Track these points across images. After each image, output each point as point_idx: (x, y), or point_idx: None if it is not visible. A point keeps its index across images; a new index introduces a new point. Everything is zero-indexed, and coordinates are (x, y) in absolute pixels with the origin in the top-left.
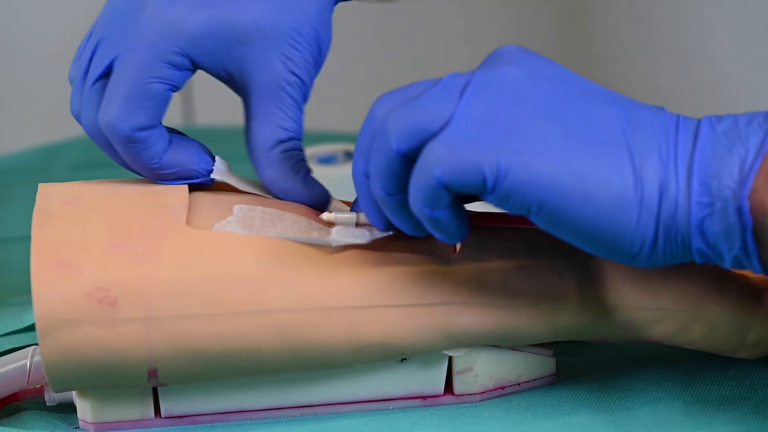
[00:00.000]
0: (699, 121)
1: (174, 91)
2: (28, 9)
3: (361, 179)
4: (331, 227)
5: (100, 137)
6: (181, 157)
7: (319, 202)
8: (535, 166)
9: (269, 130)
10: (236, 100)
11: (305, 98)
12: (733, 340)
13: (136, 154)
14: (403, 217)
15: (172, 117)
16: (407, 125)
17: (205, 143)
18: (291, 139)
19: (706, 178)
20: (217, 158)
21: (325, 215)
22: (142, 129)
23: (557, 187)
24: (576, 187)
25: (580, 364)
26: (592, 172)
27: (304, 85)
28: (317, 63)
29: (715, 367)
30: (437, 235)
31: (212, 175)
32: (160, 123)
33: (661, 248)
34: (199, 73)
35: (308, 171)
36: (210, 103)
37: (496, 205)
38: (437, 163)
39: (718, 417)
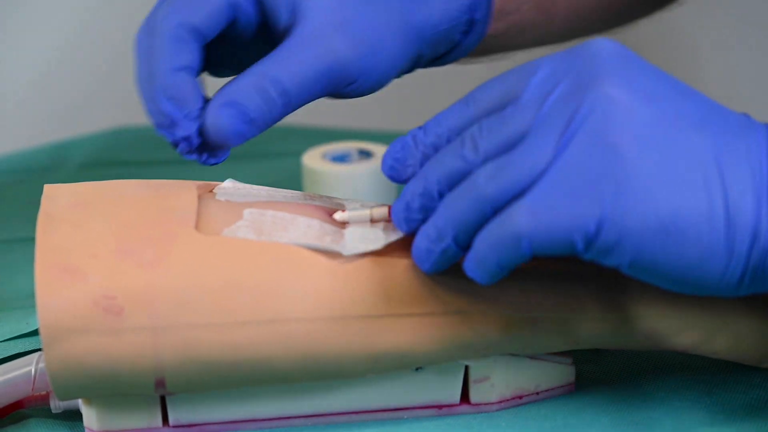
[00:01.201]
0: None
1: (233, 9)
2: (35, 4)
3: (425, 195)
4: (345, 227)
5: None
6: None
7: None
8: (626, 226)
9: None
10: None
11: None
12: (759, 350)
13: (168, 51)
14: (446, 262)
15: None
16: (505, 188)
17: None
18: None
19: None
20: (228, 180)
21: (338, 215)
22: (189, 28)
23: (647, 246)
24: (666, 244)
25: (600, 372)
26: (684, 225)
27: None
28: (364, 58)
29: (739, 374)
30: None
31: (217, 197)
32: (203, 41)
33: (746, 286)
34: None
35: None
36: None
37: (582, 259)
38: (524, 231)
39: (743, 426)
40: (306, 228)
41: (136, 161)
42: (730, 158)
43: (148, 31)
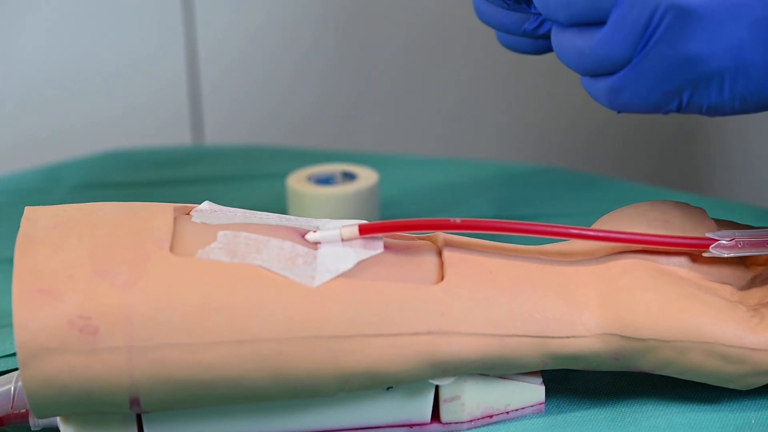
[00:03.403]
0: None
1: None
2: (31, 26)
3: None
4: (317, 247)
5: None
6: None
7: None
8: None
9: None
10: (245, 119)
11: None
12: (725, 371)
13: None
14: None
15: (181, 137)
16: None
17: (214, 162)
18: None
19: None
20: (205, 202)
21: (309, 236)
22: None
23: None
24: None
25: (570, 392)
26: None
27: None
28: None
29: (709, 394)
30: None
31: (193, 219)
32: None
33: None
34: (208, 91)
35: None
36: (219, 123)
37: None
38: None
39: None
40: (279, 250)
41: (126, 183)
42: None
43: None
